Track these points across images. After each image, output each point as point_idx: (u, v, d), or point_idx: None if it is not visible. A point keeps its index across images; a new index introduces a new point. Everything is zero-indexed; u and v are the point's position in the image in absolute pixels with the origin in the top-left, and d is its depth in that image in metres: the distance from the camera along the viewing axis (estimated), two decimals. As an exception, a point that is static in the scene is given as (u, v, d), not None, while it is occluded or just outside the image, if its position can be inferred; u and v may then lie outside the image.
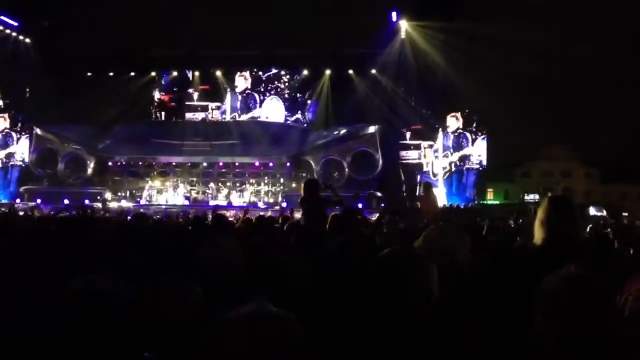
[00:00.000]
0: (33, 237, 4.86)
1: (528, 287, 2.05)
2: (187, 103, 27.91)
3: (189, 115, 27.64)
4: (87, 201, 22.70)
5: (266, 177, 26.11)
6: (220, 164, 26.22)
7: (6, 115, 26.52)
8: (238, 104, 27.60)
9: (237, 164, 26.19)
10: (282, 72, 27.51)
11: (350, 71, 25.87)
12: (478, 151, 24.31)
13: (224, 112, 27.68)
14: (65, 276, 2.73)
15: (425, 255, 2.25)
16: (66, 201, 22.57)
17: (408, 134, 25.26)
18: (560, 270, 1.98)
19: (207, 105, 27.62)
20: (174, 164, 26.35)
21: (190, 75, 28.04)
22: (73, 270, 2.82)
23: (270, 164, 25.84)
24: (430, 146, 25.01)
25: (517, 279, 2.67)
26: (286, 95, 27.71)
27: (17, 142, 26.54)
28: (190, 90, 28.04)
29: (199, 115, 27.54)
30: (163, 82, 28.28)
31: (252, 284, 2.79)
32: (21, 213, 13.89)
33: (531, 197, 25.70)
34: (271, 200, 24.74)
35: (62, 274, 2.86)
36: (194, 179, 26.38)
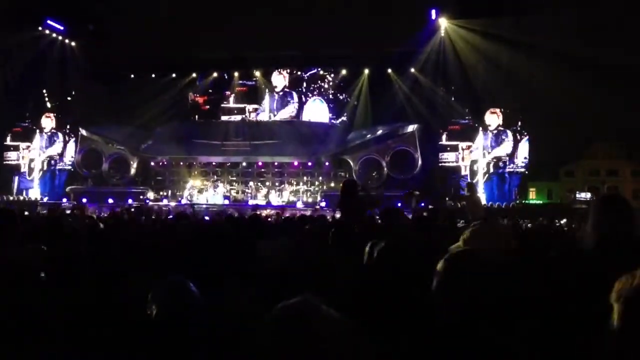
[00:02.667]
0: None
1: (582, 290, 2.01)
2: (222, 105, 27.82)
3: (224, 118, 27.50)
4: (130, 200, 23.25)
5: (305, 177, 26.22)
6: (260, 163, 26.45)
7: (52, 115, 27.34)
8: (276, 104, 27.54)
9: (276, 163, 26.37)
10: (322, 72, 27.34)
11: (389, 70, 25.71)
12: (522, 153, 23.74)
13: (261, 114, 27.65)
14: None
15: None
16: (110, 200, 23.19)
17: (444, 136, 24.64)
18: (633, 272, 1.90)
19: (244, 108, 27.48)
20: (214, 163, 26.71)
21: (227, 76, 27.88)
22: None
23: (309, 164, 25.91)
24: (469, 147, 24.53)
25: (569, 282, 2.60)
26: (330, 96, 27.34)
27: (63, 143, 27.34)
28: (227, 93, 28.01)
29: (236, 118, 27.39)
30: (198, 84, 28.15)
31: (303, 283, 2.81)
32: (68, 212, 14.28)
33: (582, 196, 24.75)
34: (310, 200, 24.81)
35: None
36: (234, 178, 26.69)
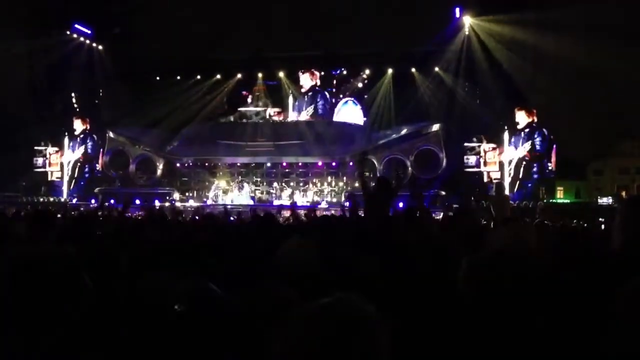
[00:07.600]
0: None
1: (606, 294, 1.98)
2: (240, 109, 27.80)
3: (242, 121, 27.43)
4: (156, 201, 23.47)
5: (329, 177, 26.21)
6: (284, 164, 26.49)
7: (84, 117, 27.73)
8: (305, 105, 27.47)
9: (300, 163, 26.38)
10: (345, 72, 27.24)
11: (413, 69, 25.55)
12: (553, 155, 23.24)
13: (286, 116, 27.69)
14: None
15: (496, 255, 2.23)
16: (137, 201, 23.44)
17: (466, 136, 24.26)
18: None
19: (265, 111, 27.40)
20: (238, 164, 26.81)
21: (250, 78, 27.70)
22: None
23: (334, 164, 25.89)
24: (494, 149, 24.14)
25: (593, 285, 2.56)
26: (365, 96, 27.09)
27: (96, 145, 27.68)
28: (244, 93, 28.00)
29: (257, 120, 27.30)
30: (221, 86, 27.86)
31: (326, 283, 2.80)
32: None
33: (604, 201, 24.20)
34: (334, 200, 24.78)
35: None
36: (258, 179, 26.77)
